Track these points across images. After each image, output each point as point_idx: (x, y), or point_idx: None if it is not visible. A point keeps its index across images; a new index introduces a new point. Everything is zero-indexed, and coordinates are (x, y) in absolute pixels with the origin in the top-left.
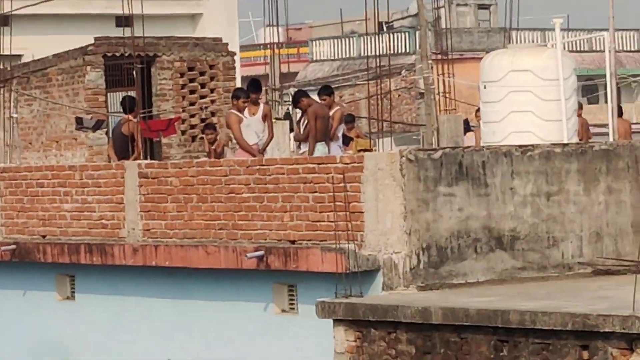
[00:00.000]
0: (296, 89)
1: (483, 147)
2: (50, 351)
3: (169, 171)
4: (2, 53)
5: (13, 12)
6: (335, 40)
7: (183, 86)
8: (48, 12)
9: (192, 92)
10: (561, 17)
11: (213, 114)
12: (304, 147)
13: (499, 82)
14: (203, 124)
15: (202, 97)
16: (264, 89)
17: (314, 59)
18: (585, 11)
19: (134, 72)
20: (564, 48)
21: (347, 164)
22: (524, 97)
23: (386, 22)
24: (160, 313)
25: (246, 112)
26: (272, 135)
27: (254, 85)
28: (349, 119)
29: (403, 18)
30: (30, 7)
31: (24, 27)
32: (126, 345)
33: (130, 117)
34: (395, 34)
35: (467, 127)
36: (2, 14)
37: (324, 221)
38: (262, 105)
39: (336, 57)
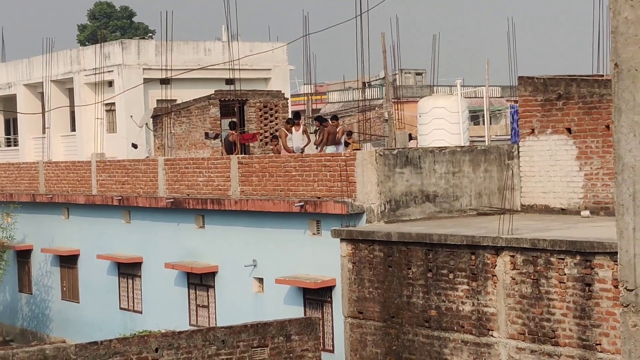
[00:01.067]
0: (318, 116)
1: (419, 147)
2: (190, 255)
3: (254, 160)
4: (166, 99)
5: (172, 77)
6: (341, 92)
7: (261, 116)
8: (189, 76)
9: (266, 119)
10: (460, 78)
11: (276, 131)
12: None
13: (427, 114)
14: (271, 136)
15: (270, 121)
16: (303, 117)
17: (330, 101)
18: (474, 75)
19: (235, 108)
20: (461, 96)
21: (347, 157)
22: (440, 121)
23: (367, 82)
24: (249, 236)
25: (293, 129)
26: (309, 141)
27: (296, 115)
28: (349, 134)
29: (377, 79)
30: (181, 74)
31: (178, 84)
32: (231, 251)
33: (233, 132)
34: (373, 88)
35: (410, 138)
36: (167, 77)
37: (335, 187)
38: (302, 126)
39: (341, 100)
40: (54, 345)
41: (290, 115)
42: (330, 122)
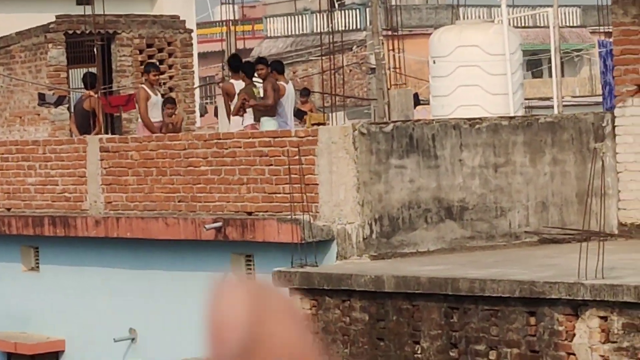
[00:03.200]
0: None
1: (433, 120)
2: (14, 320)
3: (130, 145)
4: None
5: None
6: (289, 17)
7: (142, 62)
8: None
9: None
10: None
11: (171, 89)
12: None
13: (447, 57)
14: (164, 99)
15: (161, 73)
16: (220, 65)
17: (269, 35)
18: None
19: (95, 49)
20: (510, 24)
21: (301, 137)
22: (471, 72)
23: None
24: (122, 283)
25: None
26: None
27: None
28: (305, 93)
29: None
30: None
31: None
32: (88, 315)
33: (92, 93)
34: (347, 11)
35: (417, 101)
36: None
37: (279, 193)
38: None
39: (290, 34)
40: None
41: (197, 61)
42: (267, 71)
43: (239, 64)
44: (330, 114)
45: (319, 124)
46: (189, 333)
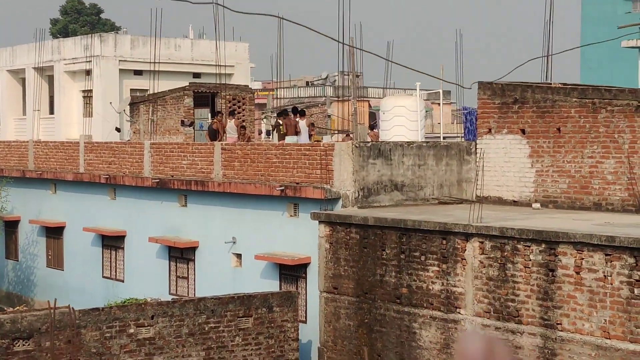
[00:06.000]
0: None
1: (389, 141)
2: (172, 230)
3: (236, 147)
4: (152, 92)
5: (151, 70)
6: (288, 90)
7: (230, 108)
8: (160, 69)
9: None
10: (419, 82)
11: (244, 121)
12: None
13: (389, 111)
14: (240, 126)
15: (238, 112)
16: (262, 111)
17: (276, 97)
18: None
19: (210, 99)
20: (419, 96)
21: (327, 147)
22: (401, 119)
23: (310, 82)
24: (230, 215)
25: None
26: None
27: (293, 110)
28: (312, 125)
29: (319, 79)
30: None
31: (149, 75)
32: (212, 229)
33: (216, 120)
34: (314, 87)
35: (372, 127)
36: (141, 69)
37: (314, 174)
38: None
39: (286, 97)
40: (60, 310)
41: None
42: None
43: (282, 112)
44: (332, 137)
45: (318, 141)
46: (264, 239)
